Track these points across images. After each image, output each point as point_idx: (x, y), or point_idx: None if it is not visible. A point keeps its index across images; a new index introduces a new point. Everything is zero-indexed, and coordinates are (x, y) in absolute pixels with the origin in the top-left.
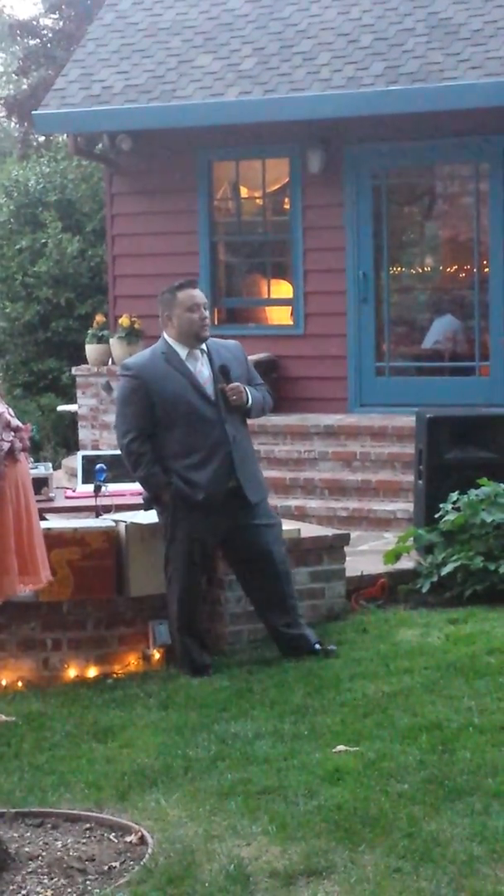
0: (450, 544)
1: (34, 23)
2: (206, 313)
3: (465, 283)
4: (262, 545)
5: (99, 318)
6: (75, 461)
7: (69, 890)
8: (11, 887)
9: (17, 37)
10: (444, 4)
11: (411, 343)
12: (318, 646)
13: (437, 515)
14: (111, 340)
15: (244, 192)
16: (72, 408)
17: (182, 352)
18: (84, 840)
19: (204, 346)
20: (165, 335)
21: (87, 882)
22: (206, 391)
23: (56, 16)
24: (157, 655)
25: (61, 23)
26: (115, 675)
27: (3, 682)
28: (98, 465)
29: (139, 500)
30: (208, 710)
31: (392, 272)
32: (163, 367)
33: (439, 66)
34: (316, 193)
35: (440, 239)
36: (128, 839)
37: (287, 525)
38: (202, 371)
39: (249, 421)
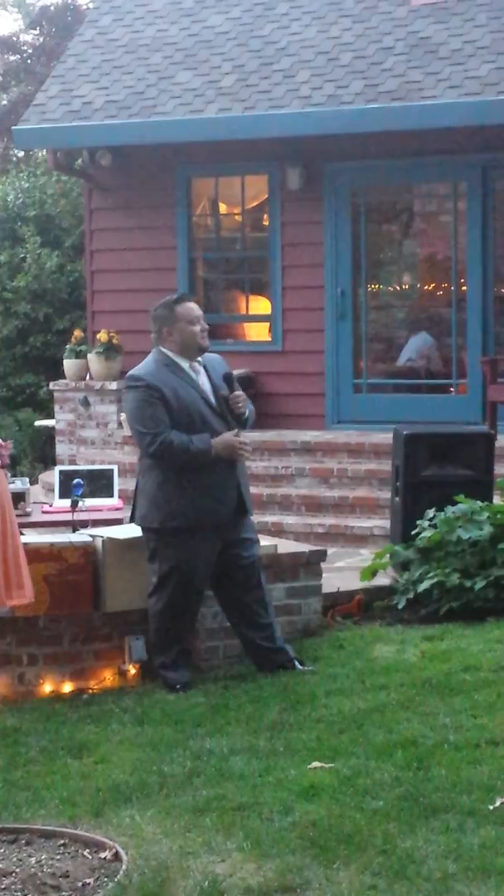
0: (426, 561)
1: (14, 38)
2: (206, 325)
3: (442, 301)
4: (247, 559)
5: (77, 333)
6: (52, 476)
7: None
8: None
9: None
10: (424, 24)
11: (389, 360)
12: (297, 663)
13: (413, 532)
14: (89, 356)
15: (223, 208)
16: (49, 423)
17: (184, 364)
18: (58, 856)
19: (200, 358)
20: (164, 349)
21: None
22: (212, 402)
23: (36, 32)
24: (132, 671)
25: (41, 39)
26: (90, 691)
27: None
28: (75, 480)
29: (116, 514)
30: (184, 725)
31: (370, 290)
32: (172, 377)
33: (418, 85)
34: (295, 210)
35: (418, 257)
36: (102, 855)
37: (264, 541)
38: (204, 382)
39: None
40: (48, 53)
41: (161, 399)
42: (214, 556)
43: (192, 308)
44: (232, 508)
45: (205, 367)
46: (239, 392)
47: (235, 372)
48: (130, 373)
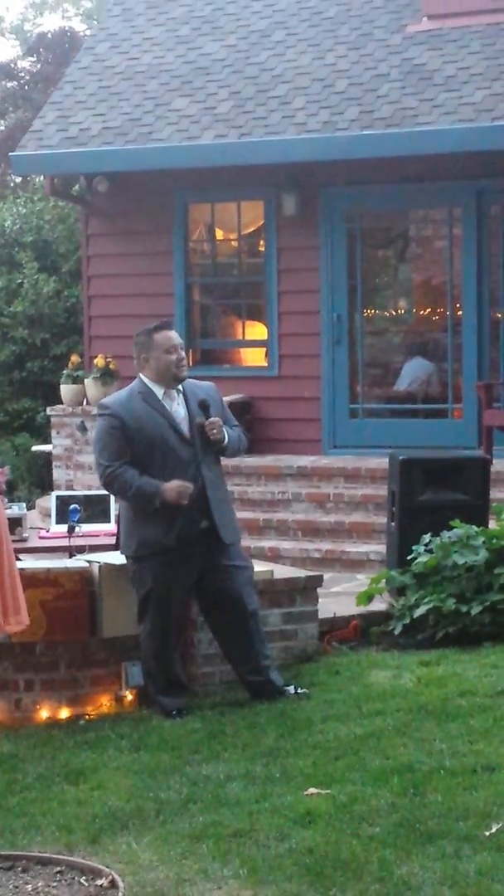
0: (422, 586)
1: (11, 65)
2: (183, 354)
3: (438, 325)
4: (232, 587)
5: (74, 358)
6: (49, 501)
7: None
8: None
9: None
10: (418, 51)
11: (385, 385)
12: (290, 689)
13: (409, 557)
14: (86, 381)
15: (219, 234)
16: (46, 448)
17: (159, 391)
18: (55, 883)
19: (180, 387)
20: (142, 376)
21: None
22: (183, 430)
23: (34, 58)
24: (129, 697)
25: (39, 65)
26: (87, 717)
27: None
28: (72, 506)
29: (113, 540)
30: (180, 752)
31: (366, 315)
32: (140, 406)
33: (413, 112)
34: (290, 236)
35: (414, 282)
36: (98, 883)
37: (260, 566)
38: (178, 410)
39: (224, 461)
40: (45, 80)
41: (121, 428)
42: (190, 583)
43: (171, 337)
44: (196, 536)
45: (185, 394)
46: (214, 419)
47: (231, 397)
48: (101, 400)
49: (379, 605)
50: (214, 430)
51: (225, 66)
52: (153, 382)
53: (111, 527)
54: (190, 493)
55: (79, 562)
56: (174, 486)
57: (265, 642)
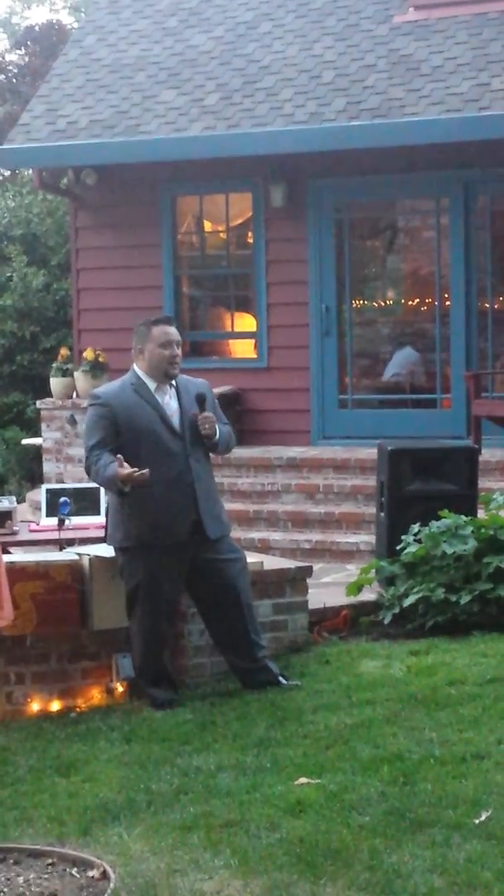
0: (411, 576)
1: (0, 59)
2: (178, 351)
3: (426, 316)
4: (224, 580)
5: (63, 351)
6: (39, 494)
7: None
8: None
9: None
10: (405, 41)
11: (374, 376)
12: (282, 678)
13: (398, 547)
14: (76, 374)
15: (208, 226)
16: (36, 441)
17: (151, 384)
18: (46, 875)
19: (173, 381)
20: (136, 367)
21: None
22: (173, 424)
23: (21, 52)
24: (120, 689)
25: (27, 58)
26: (78, 709)
27: None
28: (62, 499)
29: (103, 533)
30: (171, 743)
31: (354, 305)
32: (132, 397)
33: (400, 102)
34: (279, 227)
35: (402, 272)
36: (90, 874)
37: (250, 557)
38: (170, 404)
39: (213, 455)
40: (33, 73)
41: (110, 417)
42: (178, 575)
43: (168, 332)
44: (184, 529)
45: (177, 389)
46: (207, 413)
47: (221, 389)
48: (93, 390)
49: (369, 595)
50: (206, 425)
51: (212, 58)
52: (146, 375)
53: (101, 519)
54: (145, 479)
55: (69, 554)
56: (118, 473)
57: (259, 632)
